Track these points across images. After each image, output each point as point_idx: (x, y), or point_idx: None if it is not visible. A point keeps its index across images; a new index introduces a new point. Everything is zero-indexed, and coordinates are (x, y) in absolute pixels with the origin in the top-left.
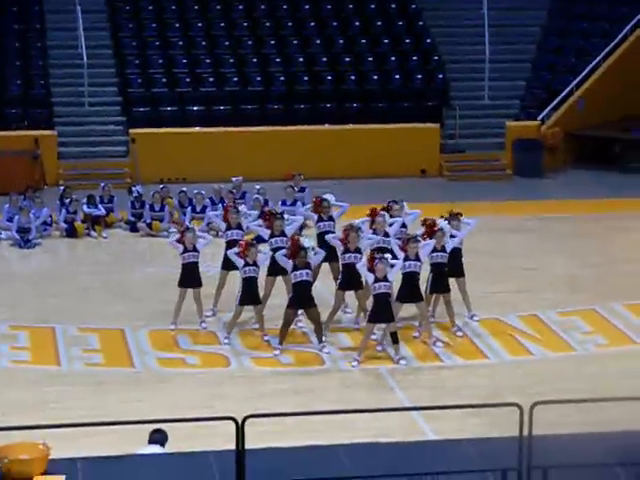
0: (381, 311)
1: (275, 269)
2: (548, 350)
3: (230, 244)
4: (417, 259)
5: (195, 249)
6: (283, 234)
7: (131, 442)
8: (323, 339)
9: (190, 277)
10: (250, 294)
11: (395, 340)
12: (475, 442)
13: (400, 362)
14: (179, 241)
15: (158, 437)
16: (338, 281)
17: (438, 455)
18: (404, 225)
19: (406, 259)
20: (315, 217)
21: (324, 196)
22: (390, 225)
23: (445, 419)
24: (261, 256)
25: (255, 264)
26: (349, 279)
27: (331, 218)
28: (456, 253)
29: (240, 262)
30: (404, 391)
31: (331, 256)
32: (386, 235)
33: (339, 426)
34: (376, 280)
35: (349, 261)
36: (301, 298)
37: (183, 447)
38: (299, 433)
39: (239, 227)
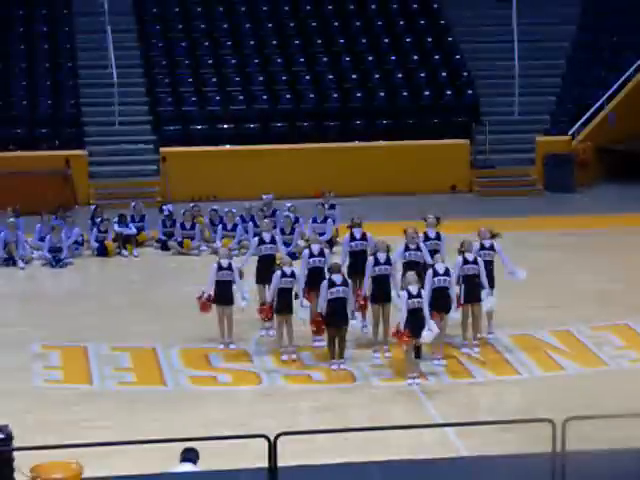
0: (415, 325)
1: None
2: (580, 365)
3: (263, 259)
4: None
5: (230, 267)
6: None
7: (163, 460)
8: (344, 356)
9: (224, 295)
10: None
11: (417, 355)
12: (508, 458)
13: (414, 382)
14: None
15: (190, 455)
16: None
17: (470, 471)
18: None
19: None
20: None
21: None
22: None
23: (477, 435)
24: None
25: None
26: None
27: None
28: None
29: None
30: (436, 407)
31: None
32: (418, 249)
33: (371, 443)
34: (409, 296)
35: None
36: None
37: (215, 465)
38: (332, 450)
39: (272, 241)
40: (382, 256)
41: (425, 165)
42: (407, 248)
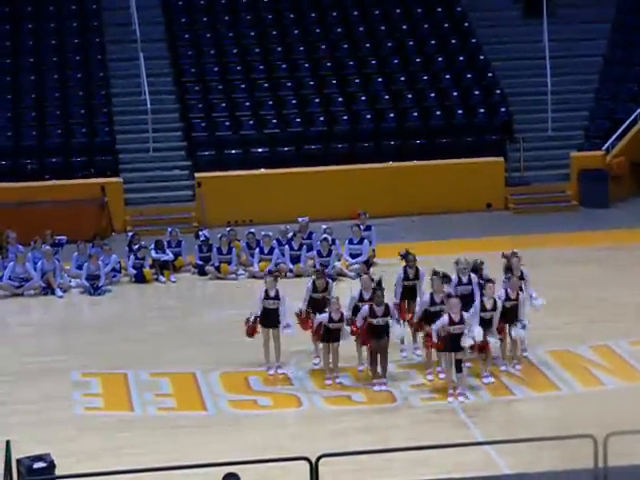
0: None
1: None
2: (621, 380)
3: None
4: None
5: (277, 297)
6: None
7: None
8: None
9: (270, 319)
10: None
11: (459, 369)
12: (550, 475)
13: (459, 398)
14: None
15: None
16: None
17: None
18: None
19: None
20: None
21: None
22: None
23: (519, 453)
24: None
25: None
26: None
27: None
28: None
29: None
30: (477, 425)
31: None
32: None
33: (413, 463)
34: (450, 322)
35: None
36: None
37: None
38: (373, 471)
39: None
40: (438, 297)
41: (460, 184)
42: (460, 282)
